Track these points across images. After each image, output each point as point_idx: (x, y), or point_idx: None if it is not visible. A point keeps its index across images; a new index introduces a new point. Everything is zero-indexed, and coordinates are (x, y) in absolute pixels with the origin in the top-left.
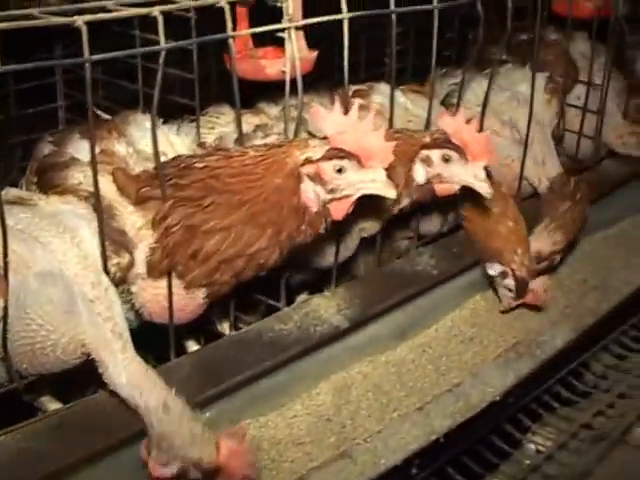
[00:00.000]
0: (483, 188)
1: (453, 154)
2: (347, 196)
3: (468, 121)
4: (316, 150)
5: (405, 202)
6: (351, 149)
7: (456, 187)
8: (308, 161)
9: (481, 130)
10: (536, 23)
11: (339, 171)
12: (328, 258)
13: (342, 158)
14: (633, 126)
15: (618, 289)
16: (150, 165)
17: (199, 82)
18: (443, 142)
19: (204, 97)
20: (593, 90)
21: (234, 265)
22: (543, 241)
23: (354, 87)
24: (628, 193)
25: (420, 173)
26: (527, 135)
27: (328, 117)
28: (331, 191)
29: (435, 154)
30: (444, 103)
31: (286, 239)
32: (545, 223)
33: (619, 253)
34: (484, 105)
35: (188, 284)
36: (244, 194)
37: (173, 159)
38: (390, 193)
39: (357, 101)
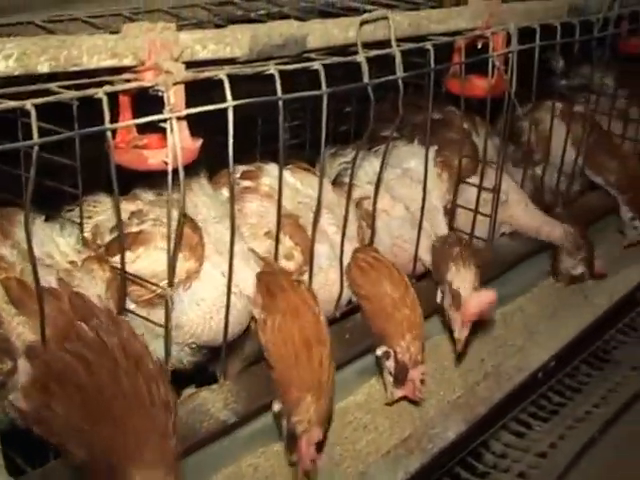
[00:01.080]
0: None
1: None
2: None
3: None
4: None
5: None
6: None
7: None
8: None
9: (374, 210)
10: (429, 102)
11: None
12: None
13: None
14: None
15: (511, 377)
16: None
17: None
18: None
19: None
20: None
21: None
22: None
23: (243, 168)
24: (523, 270)
25: None
26: (422, 213)
27: None
28: None
29: None
30: (335, 182)
31: None
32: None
33: (515, 333)
34: (377, 185)
35: None
36: None
37: None
38: None
39: (244, 183)
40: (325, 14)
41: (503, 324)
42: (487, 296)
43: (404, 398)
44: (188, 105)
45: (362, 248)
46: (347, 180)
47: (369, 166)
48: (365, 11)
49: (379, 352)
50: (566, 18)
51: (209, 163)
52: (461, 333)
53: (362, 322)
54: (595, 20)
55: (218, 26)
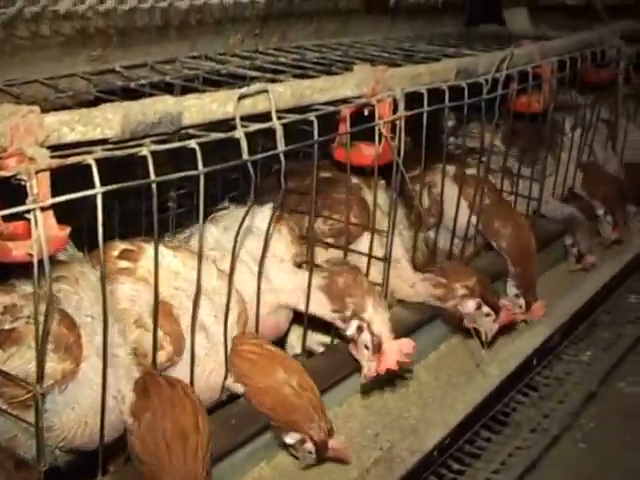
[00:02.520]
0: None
1: None
2: None
3: None
4: None
5: None
6: None
7: None
8: None
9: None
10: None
11: None
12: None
13: None
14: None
15: (404, 460)
16: None
17: None
18: None
19: None
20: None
21: None
22: (383, 320)
23: (122, 246)
24: (417, 338)
25: None
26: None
27: None
28: None
29: None
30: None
31: None
32: (371, 304)
33: (410, 404)
34: (233, 250)
35: None
36: None
37: None
38: None
39: (121, 264)
40: (209, 81)
41: (398, 394)
42: (408, 346)
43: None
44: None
45: (243, 337)
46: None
47: (207, 233)
48: (251, 78)
49: (291, 440)
50: (454, 81)
51: None
52: (370, 373)
53: (249, 406)
54: (484, 81)
55: (97, 98)
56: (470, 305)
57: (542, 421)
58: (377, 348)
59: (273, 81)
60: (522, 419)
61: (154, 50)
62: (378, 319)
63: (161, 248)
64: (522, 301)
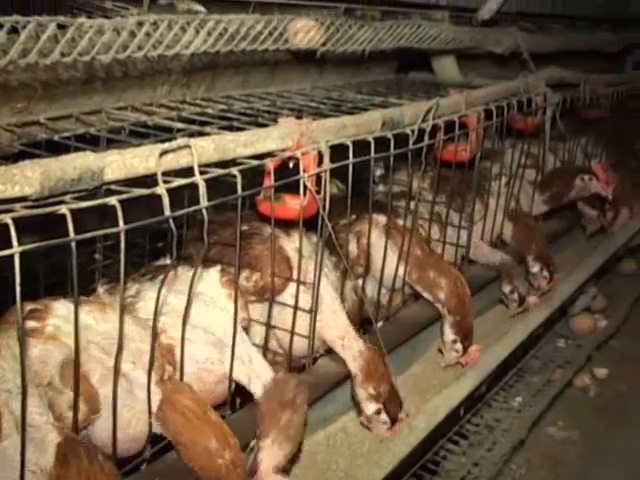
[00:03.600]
0: None
1: None
2: None
3: None
4: None
5: None
6: None
7: None
8: None
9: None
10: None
11: None
12: None
13: None
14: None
15: None
16: None
17: None
18: None
19: None
20: (307, 289)
21: None
22: (274, 456)
23: (29, 307)
24: (346, 388)
25: None
26: (234, 336)
27: None
28: None
29: None
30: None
31: None
32: (272, 437)
33: (338, 456)
34: (184, 317)
35: None
36: None
37: None
38: None
39: (29, 324)
40: (136, 133)
41: (326, 447)
42: None
43: None
44: None
45: (180, 386)
46: (140, 316)
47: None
48: (177, 130)
49: None
50: (380, 132)
51: None
52: None
53: (174, 462)
54: (410, 132)
55: (20, 152)
56: (371, 408)
57: (472, 469)
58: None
59: (200, 133)
60: (452, 467)
61: (80, 101)
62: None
63: (71, 305)
64: (459, 346)
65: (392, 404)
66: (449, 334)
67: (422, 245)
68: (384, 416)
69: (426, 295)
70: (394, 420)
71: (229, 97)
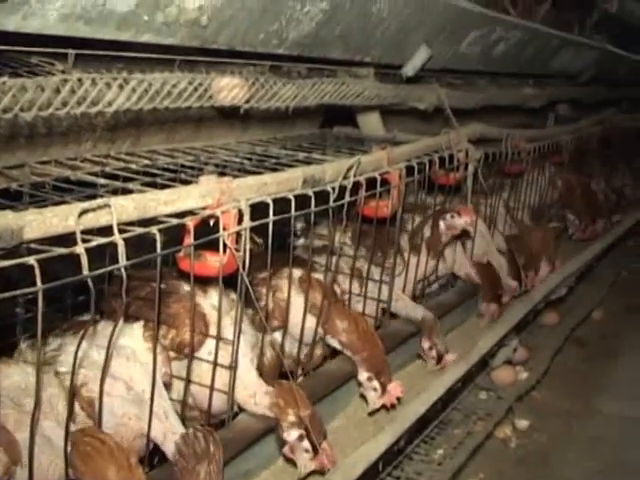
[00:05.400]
0: None
1: None
2: None
3: None
4: None
5: None
6: None
7: None
8: None
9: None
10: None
11: None
12: None
13: None
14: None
15: None
16: None
17: None
18: None
19: None
20: (225, 345)
21: None
22: None
23: None
24: (267, 442)
25: None
26: (153, 389)
27: None
28: None
29: None
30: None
31: None
32: None
33: None
34: (103, 370)
35: None
36: None
37: None
38: None
39: None
40: (59, 188)
41: None
42: None
43: None
44: None
45: (90, 429)
46: (60, 369)
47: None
48: (100, 185)
49: None
50: (301, 189)
51: None
52: None
53: None
54: (331, 189)
55: None
56: (292, 434)
57: None
58: None
59: (123, 189)
60: None
61: (3, 156)
62: None
63: None
64: (376, 383)
65: (314, 430)
66: (362, 372)
67: (328, 296)
68: (306, 443)
69: (334, 343)
70: (316, 449)
71: (154, 152)
